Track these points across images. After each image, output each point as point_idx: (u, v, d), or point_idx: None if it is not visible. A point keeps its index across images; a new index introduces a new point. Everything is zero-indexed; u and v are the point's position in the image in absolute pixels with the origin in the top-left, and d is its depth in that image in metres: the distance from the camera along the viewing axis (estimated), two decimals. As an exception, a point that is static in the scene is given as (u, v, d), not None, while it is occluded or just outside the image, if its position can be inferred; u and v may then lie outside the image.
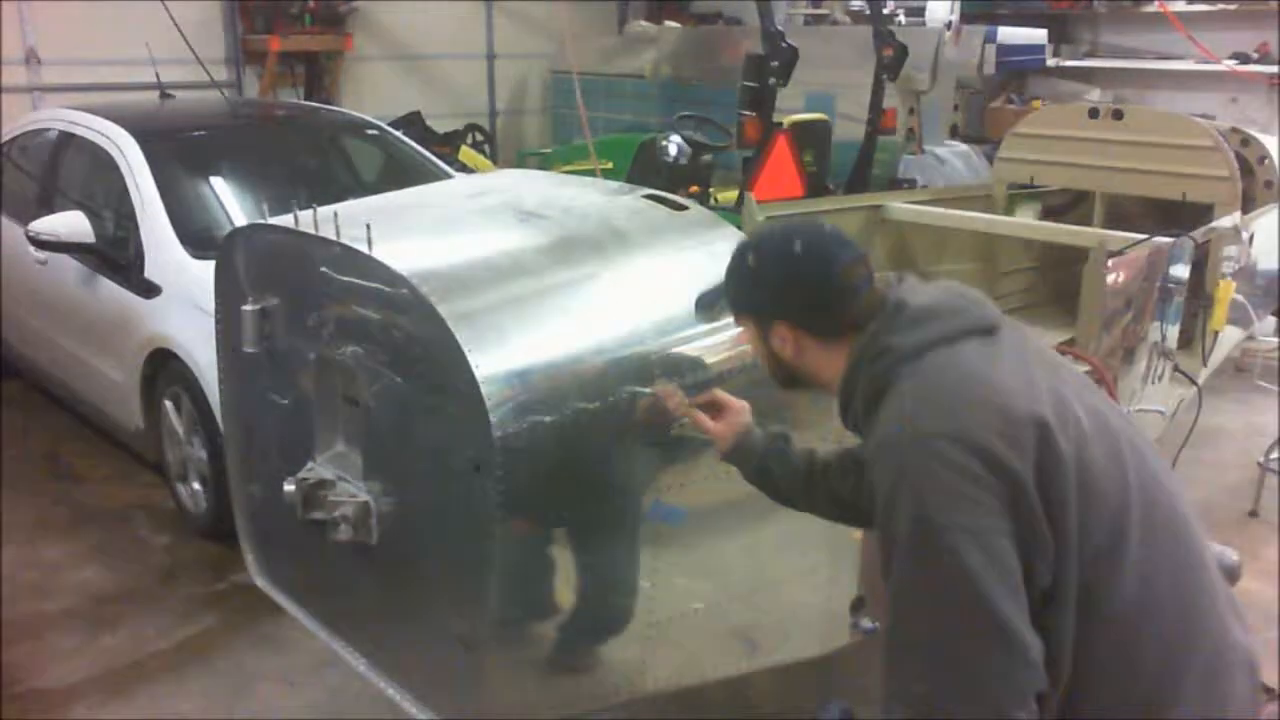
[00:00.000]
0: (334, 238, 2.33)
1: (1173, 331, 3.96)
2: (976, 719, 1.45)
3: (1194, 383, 4.20)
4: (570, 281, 2.30)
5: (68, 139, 5.13)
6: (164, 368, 4.23)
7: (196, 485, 4.26)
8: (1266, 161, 5.27)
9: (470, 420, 2.00)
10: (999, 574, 1.45)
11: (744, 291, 1.85)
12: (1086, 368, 3.09)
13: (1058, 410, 1.57)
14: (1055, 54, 8.91)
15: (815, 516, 2.11)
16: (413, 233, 2.57)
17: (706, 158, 6.40)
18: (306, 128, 5.66)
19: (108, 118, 4.96)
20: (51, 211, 4.78)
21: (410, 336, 2.20)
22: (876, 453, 1.60)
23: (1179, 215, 4.73)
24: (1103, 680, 1.56)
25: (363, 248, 2.25)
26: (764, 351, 1.85)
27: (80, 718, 3.27)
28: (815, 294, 1.75)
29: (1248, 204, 4.89)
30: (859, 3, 9.02)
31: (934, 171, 6.95)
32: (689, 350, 2.28)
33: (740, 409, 2.14)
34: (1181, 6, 8.39)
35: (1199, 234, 4.07)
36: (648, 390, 2.18)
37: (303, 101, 8.10)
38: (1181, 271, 3.87)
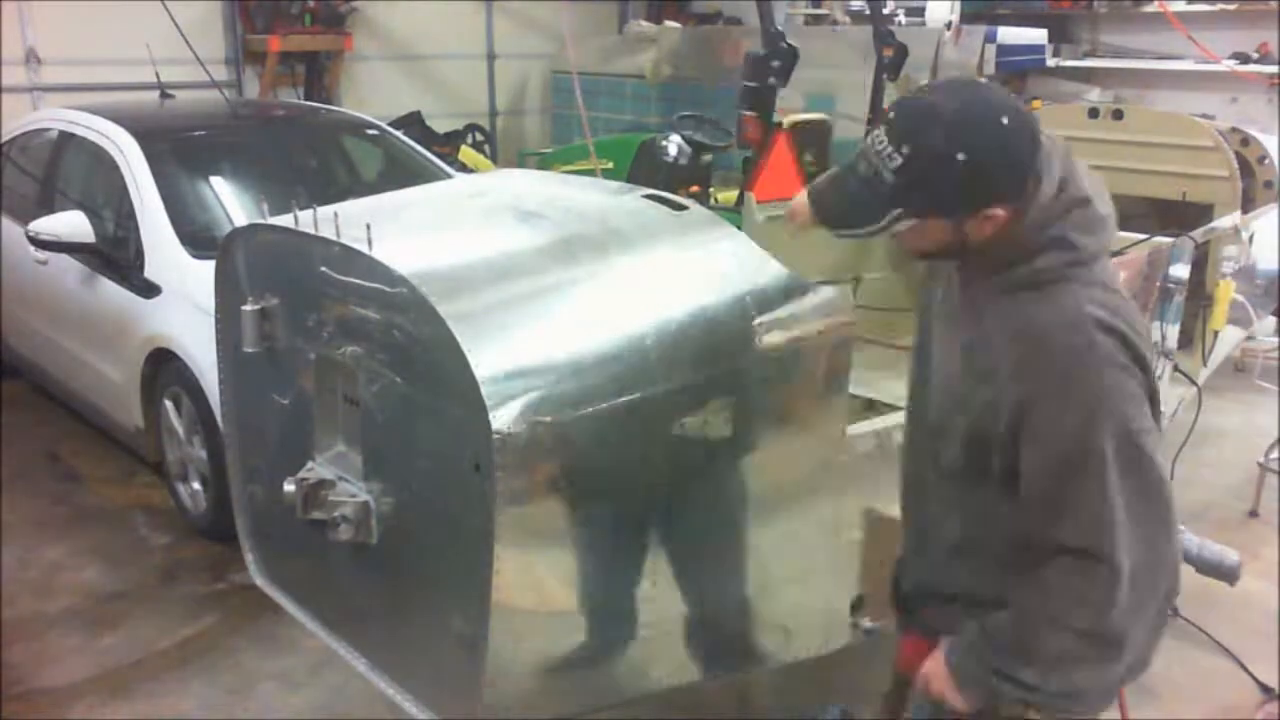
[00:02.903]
0: (334, 238, 2.33)
1: (1173, 331, 3.96)
2: (1157, 594, 1.69)
3: (1194, 383, 4.20)
4: (570, 281, 2.30)
5: (68, 139, 5.13)
6: (164, 368, 4.23)
7: (196, 485, 4.26)
8: (1266, 161, 5.27)
9: (470, 420, 2.00)
10: (1163, 471, 1.67)
11: (958, 188, 1.66)
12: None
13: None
14: (1055, 54, 8.89)
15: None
16: (413, 233, 2.57)
17: (706, 158, 6.40)
18: (306, 128, 5.66)
19: (108, 118, 4.96)
20: (51, 211, 4.78)
21: (410, 336, 2.20)
22: (1044, 348, 1.65)
23: (1179, 215, 4.73)
24: None
25: (362, 248, 2.25)
26: (940, 240, 1.73)
27: (80, 718, 3.27)
28: (1028, 163, 1.67)
29: (1248, 204, 4.89)
30: (859, 3, 9.02)
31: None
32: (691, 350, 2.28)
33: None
34: (1181, 6, 8.38)
35: (1199, 234, 4.07)
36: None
37: (303, 101, 8.09)
38: (1181, 271, 3.87)
